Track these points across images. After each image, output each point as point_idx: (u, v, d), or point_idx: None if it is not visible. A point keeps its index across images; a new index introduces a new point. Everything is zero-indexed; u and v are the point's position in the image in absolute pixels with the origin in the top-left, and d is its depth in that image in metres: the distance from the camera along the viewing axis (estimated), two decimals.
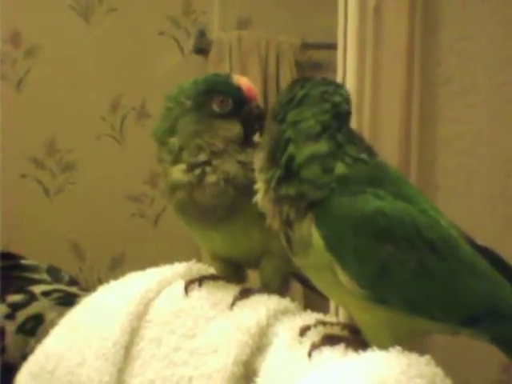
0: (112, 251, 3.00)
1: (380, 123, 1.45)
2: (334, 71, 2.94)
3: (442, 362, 0.88)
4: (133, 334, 1.15)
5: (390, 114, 1.44)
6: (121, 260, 3.00)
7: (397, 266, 0.88)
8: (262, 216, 1.00)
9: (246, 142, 1.15)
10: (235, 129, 1.14)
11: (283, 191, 0.93)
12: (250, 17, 3.02)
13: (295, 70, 2.92)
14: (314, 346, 0.94)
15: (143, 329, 1.15)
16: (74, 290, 2.17)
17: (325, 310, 1.13)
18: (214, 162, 1.12)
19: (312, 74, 2.92)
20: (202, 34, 2.91)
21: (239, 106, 1.15)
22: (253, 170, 1.03)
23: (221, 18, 2.97)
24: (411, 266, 0.88)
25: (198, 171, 1.12)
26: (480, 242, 0.97)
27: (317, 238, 0.90)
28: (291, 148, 0.92)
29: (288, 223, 0.93)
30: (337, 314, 1.31)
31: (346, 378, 0.83)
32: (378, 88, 1.43)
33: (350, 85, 1.41)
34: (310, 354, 0.94)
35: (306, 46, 2.93)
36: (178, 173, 1.14)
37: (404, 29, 1.41)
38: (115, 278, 1.25)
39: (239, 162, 1.12)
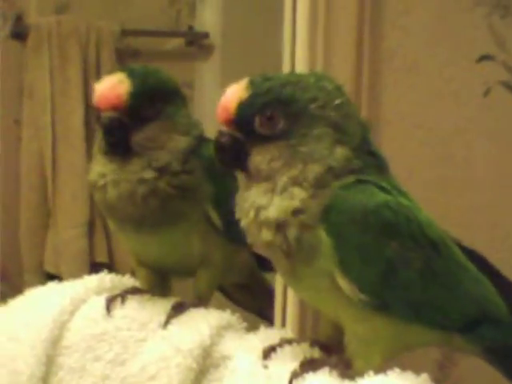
0: None
1: None
2: (153, 59, 2.84)
3: None
4: (49, 364, 1.01)
5: None
6: None
7: (402, 265, 0.83)
8: (204, 223, 0.94)
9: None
10: (99, 136, 1.02)
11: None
12: (69, 2, 2.85)
13: (115, 57, 2.79)
14: (296, 374, 0.84)
15: (60, 356, 1.02)
16: None
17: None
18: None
19: (131, 62, 2.82)
20: (18, 19, 2.73)
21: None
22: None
23: (38, 1, 2.80)
24: (416, 265, 0.83)
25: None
26: None
27: (325, 238, 0.82)
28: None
29: (301, 230, 0.83)
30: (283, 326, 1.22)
31: None
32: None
33: (300, 66, 1.29)
34: (290, 383, 0.84)
35: (125, 33, 2.80)
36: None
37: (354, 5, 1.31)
38: None
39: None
